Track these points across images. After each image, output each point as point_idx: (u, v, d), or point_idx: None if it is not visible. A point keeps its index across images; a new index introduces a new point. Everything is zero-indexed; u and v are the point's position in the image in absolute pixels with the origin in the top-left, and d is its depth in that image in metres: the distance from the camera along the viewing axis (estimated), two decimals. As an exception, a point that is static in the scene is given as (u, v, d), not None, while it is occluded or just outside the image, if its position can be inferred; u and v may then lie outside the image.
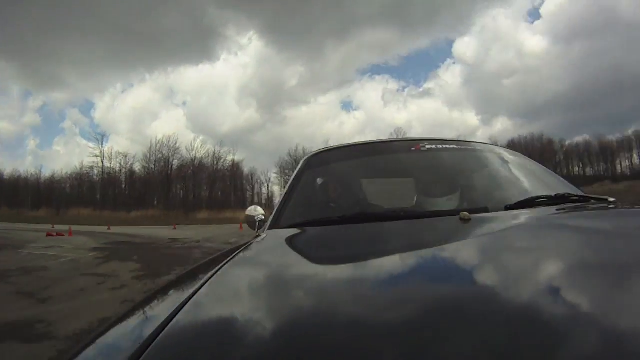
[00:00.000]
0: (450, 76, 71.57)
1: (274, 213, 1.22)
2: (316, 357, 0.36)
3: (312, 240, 0.97)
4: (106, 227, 23.11)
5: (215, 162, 46.09)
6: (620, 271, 0.49)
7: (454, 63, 72.17)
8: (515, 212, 1.00)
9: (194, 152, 44.87)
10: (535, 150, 42.94)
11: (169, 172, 44.68)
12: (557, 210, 0.99)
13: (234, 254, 0.77)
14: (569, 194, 1.12)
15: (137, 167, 45.28)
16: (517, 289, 0.46)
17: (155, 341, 0.40)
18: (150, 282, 5.32)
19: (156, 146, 44.18)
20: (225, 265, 0.68)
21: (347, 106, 79.23)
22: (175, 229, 22.19)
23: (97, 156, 43.20)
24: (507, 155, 1.50)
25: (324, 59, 72.68)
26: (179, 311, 0.47)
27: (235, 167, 47.61)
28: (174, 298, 0.57)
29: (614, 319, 0.37)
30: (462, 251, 0.68)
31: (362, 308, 0.46)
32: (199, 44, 72.30)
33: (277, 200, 1.44)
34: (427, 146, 1.39)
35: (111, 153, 44.54)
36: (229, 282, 0.63)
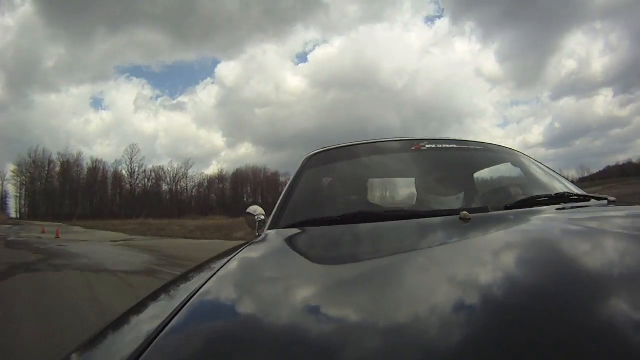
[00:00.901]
0: (206, 95, 73.74)
1: (273, 213, 1.22)
2: (316, 357, 0.36)
3: (312, 240, 0.97)
4: None
5: None
6: (621, 270, 0.49)
7: (213, 83, 74.63)
8: (516, 211, 1.00)
9: None
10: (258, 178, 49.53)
11: None
12: (557, 209, 0.99)
13: (234, 254, 0.77)
14: (569, 193, 1.13)
15: None
16: (518, 288, 0.46)
17: (155, 341, 0.40)
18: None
19: None
20: (225, 266, 0.68)
21: (97, 103, 77.06)
22: None
23: None
24: (507, 154, 1.50)
25: (89, 46, 67.08)
26: (179, 311, 0.47)
27: None
28: (174, 298, 0.56)
29: (614, 319, 0.36)
30: (463, 251, 0.68)
31: (363, 308, 0.46)
32: None
33: None
34: (427, 146, 1.39)
35: None
36: (229, 282, 0.63)
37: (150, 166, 54.47)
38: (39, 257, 7.63)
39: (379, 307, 0.46)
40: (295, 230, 1.04)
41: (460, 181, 1.35)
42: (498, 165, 1.48)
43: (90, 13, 64.23)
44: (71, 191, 47.80)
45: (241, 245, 0.90)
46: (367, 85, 75.46)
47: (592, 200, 1.13)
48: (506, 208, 1.04)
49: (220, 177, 54.07)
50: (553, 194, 1.11)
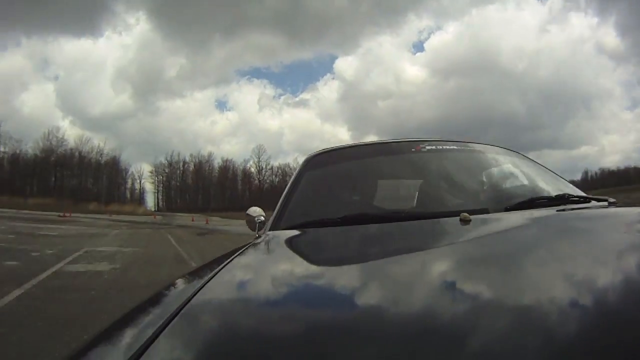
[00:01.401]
0: (327, 90, 74.81)
1: (274, 214, 1.22)
2: (316, 357, 0.36)
3: (312, 242, 0.97)
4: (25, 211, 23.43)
5: (100, 156, 48.44)
6: (621, 271, 0.49)
7: (333, 78, 75.84)
8: (516, 212, 1.00)
9: (83, 148, 46.82)
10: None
11: (55, 160, 45.57)
12: (557, 211, 0.99)
13: (235, 255, 0.77)
14: (569, 194, 1.12)
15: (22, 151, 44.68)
16: (518, 290, 0.46)
17: (155, 341, 0.40)
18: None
19: (47, 135, 45.43)
20: (226, 267, 0.68)
21: (222, 105, 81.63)
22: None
23: None
24: (508, 155, 1.50)
25: (207, 54, 72.06)
26: (179, 312, 0.47)
27: (116, 161, 49.43)
28: (174, 299, 0.56)
29: (615, 319, 0.37)
30: (463, 252, 0.68)
31: (363, 309, 0.46)
32: (86, 14, 67.74)
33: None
34: (428, 147, 1.39)
35: (7, 137, 43.20)
36: (229, 283, 0.63)
37: (276, 163, 58.41)
38: (210, 229, 16.44)
39: (380, 308, 0.46)
40: (295, 232, 1.03)
41: (460, 182, 1.32)
42: (498, 167, 1.46)
43: (202, 23, 68.35)
44: (204, 187, 53.24)
45: (241, 247, 0.90)
46: (486, 70, 71.33)
47: (593, 202, 1.13)
48: (506, 209, 1.04)
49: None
50: (553, 196, 1.11)
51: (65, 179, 47.56)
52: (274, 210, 1.26)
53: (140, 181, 52.20)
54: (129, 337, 0.46)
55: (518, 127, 69.63)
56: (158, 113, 70.18)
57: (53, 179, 46.29)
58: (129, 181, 51.79)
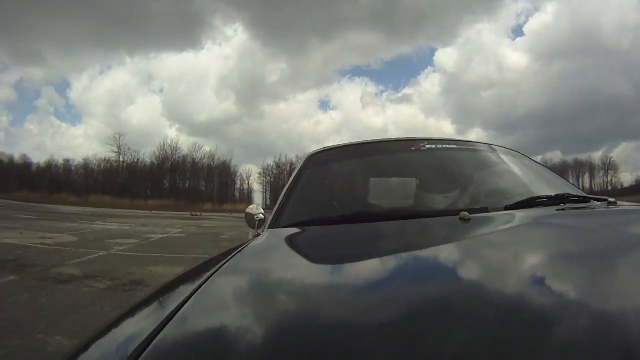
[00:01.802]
0: (429, 84, 74.86)
1: (274, 212, 1.22)
2: (316, 357, 0.36)
3: (312, 240, 0.96)
4: (149, 212, 25.21)
5: (212, 161, 54.03)
6: (621, 271, 0.49)
7: (434, 71, 75.77)
8: (515, 212, 1.00)
9: (196, 154, 53.13)
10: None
11: (171, 166, 52.21)
12: (557, 210, 0.99)
13: (234, 254, 0.76)
14: (568, 194, 1.11)
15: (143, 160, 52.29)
16: (518, 289, 0.46)
17: (155, 341, 0.40)
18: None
19: (163, 145, 52.62)
20: (225, 265, 0.67)
21: (325, 106, 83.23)
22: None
23: (115, 152, 51.26)
24: (508, 155, 1.49)
25: (307, 57, 74.23)
26: (179, 311, 0.46)
27: (226, 165, 54.75)
28: (174, 298, 0.55)
29: (615, 318, 0.36)
30: (462, 251, 0.68)
31: (363, 309, 0.45)
32: (185, 31, 73.13)
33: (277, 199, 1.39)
34: (428, 146, 1.39)
35: (126, 148, 51.68)
36: (229, 281, 0.62)
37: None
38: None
39: (379, 306, 0.45)
40: (295, 230, 1.03)
41: (460, 181, 1.32)
42: (498, 166, 1.45)
43: (299, 28, 71.16)
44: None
45: (241, 245, 0.89)
46: (590, 50, 67.60)
47: (592, 201, 1.13)
48: (506, 208, 1.04)
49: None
50: (553, 195, 1.10)
51: (179, 183, 50.97)
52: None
53: (248, 182, 57.70)
54: (129, 336, 0.46)
55: (626, 110, 63.99)
56: (263, 117, 73.98)
57: (167, 183, 51.07)
58: (238, 182, 57.58)
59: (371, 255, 0.72)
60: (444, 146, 1.41)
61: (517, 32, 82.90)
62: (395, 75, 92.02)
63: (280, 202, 1.25)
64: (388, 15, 71.56)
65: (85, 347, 0.45)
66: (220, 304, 0.53)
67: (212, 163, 54.01)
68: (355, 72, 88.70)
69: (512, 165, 1.42)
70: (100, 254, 6.58)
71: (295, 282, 0.60)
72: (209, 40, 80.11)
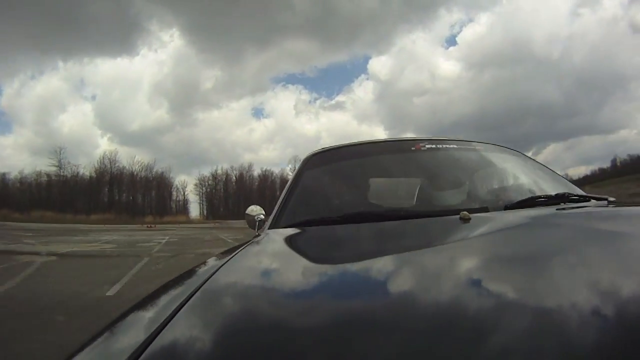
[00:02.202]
0: (362, 91, 76.25)
1: (273, 213, 1.22)
2: (316, 357, 0.36)
3: (312, 240, 0.97)
4: (103, 225, 30.38)
5: (150, 172, 54.30)
6: (621, 270, 0.49)
7: (367, 79, 76.94)
8: (515, 211, 1.00)
9: (134, 167, 53.46)
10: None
11: (109, 179, 52.61)
12: (557, 210, 0.99)
13: (233, 254, 0.77)
14: (568, 193, 1.12)
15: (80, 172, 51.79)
16: (518, 289, 0.46)
17: (154, 341, 0.40)
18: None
19: (102, 158, 52.84)
20: (224, 265, 0.68)
21: (259, 113, 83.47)
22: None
23: (55, 166, 49.96)
24: (508, 154, 1.50)
25: (242, 64, 73.59)
26: (178, 311, 0.47)
27: (164, 177, 54.98)
28: (173, 298, 0.56)
29: (614, 318, 0.37)
30: (462, 251, 0.68)
31: (362, 309, 0.46)
32: (121, 35, 69.92)
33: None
34: (428, 146, 1.39)
35: (66, 162, 50.88)
36: (228, 282, 0.63)
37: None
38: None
39: (379, 306, 0.46)
40: (294, 230, 1.04)
41: (460, 181, 1.34)
42: (498, 165, 1.47)
43: (235, 35, 70.41)
44: (245, 194, 56.90)
45: (240, 245, 0.90)
46: (521, 59, 72.03)
47: (592, 201, 1.13)
48: (506, 208, 1.04)
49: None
50: (553, 194, 1.10)
51: (117, 196, 52.75)
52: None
53: (184, 193, 57.01)
54: (129, 337, 0.47)
55: (554, 115, 69.99)
56: (195, 124, 72.70)
57: (106, 198, 52.19)
58: (174, 193, 56.96)
59: (371, 255, 0.72)
60: (444, 146, 1.41)
61: (451, 41, 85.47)
62: (329, 83, 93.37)
63: (280, 203, 1.25)
64: (324, 23, 73.18)
65: (86, 347, 0.45)
66: (220, 304, 0.54)
67: (150, 175, 54.30)
68: (290, 80, 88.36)
69: (512, 165, 1.43)
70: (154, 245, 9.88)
71: (295, 283, 0.60)
72: (145, 45, 77.48)
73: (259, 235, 1.15)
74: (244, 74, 75.98)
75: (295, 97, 78.71)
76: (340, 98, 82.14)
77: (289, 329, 0.43)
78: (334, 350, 0.37)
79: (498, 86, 71.82)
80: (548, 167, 1.53)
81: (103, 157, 53.07)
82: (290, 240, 0.95)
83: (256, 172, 59.25)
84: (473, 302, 0.43)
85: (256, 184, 58.18)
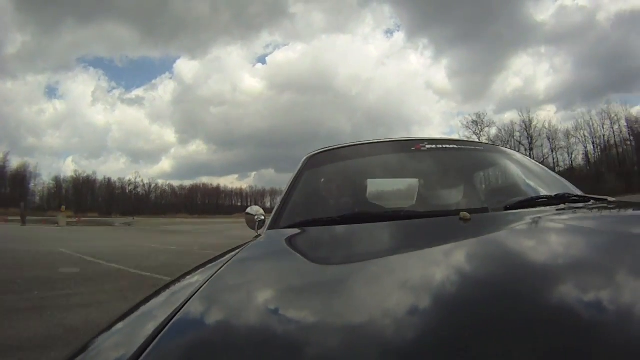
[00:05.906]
0: (163, 90, 75.91)
1: (273, 213, 1.21)
2: (316, 357, 0.36)
3: (311, 241, 0.97)
4: None
5: None
6: (620, 270, 0.49)
7: (171, 78, 76.48)
8: (515, 212, 0.99)
9: None
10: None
11: None
12: (557, 210, 0.99)
13: (234, 255, 0.77)
14: (568, 194, 1.12)
15: None
16: (517, 289, 0.46)
17: (155, 341, 0.40)
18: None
19: None
20: (225, 266, 0.68)
21: (52, 93, 76.32)
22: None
23: None
24: (507, 155, 1.50)
25: (56, 35, 67.49)
26: (179, 311, 0.47)
27: None
28: (174, 298, 0.56)
29: (614, 318, 0.37)
30: (462, 251, 0.68)
31: (363, 308, 0.46)
32: None
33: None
34: (428, 146, 1.38)
35: None
36: (229, 282, 0.63)
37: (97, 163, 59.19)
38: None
39: (380, 306, 0.46)
40: (294, 230, 1.03)
41: (460, 181, 1.35)
42: (498, 166, 1.47)
43: (60, 2, 65.11)
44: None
45: (241, 246, 0.90)
46: (323, 90, 78.47)
47: (592, 201, 1.13)
48: (506, 208, 1.03)
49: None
50: (553, 195, 1.10)
51: None
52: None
53: None
54: (129, 337, 0.47)
55: (340, 141, 79.50)
56: None
57: None
58: None
59: (371, 257, 0.72)
60: (444, 146, 1.40)
61: (261, 60, 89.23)
62: (134, 76, 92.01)
63: (280, 203, 1.24)
64: (152, 15, 71.42)
65: (87, 346, 0.45)
66: (221, 304, 0.54)
67: None
68: (96, 64, 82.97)
69: (512, 165, 1.42)
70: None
71: (294, 283, 0.60)
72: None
73: (259, 235, 1.15)
74: (54, 46, 69.42)
75: (95, 83, 74.57)
76: (140, 93, 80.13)
77: (289, 329, 0.43)
78: (334, 350, 0.37)
79: (294, 109, 76.25)
80: (548, 168, 1.55)
81: None
82: (290, 241, 0.94)
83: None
84: (473, 303, 0.44)
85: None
